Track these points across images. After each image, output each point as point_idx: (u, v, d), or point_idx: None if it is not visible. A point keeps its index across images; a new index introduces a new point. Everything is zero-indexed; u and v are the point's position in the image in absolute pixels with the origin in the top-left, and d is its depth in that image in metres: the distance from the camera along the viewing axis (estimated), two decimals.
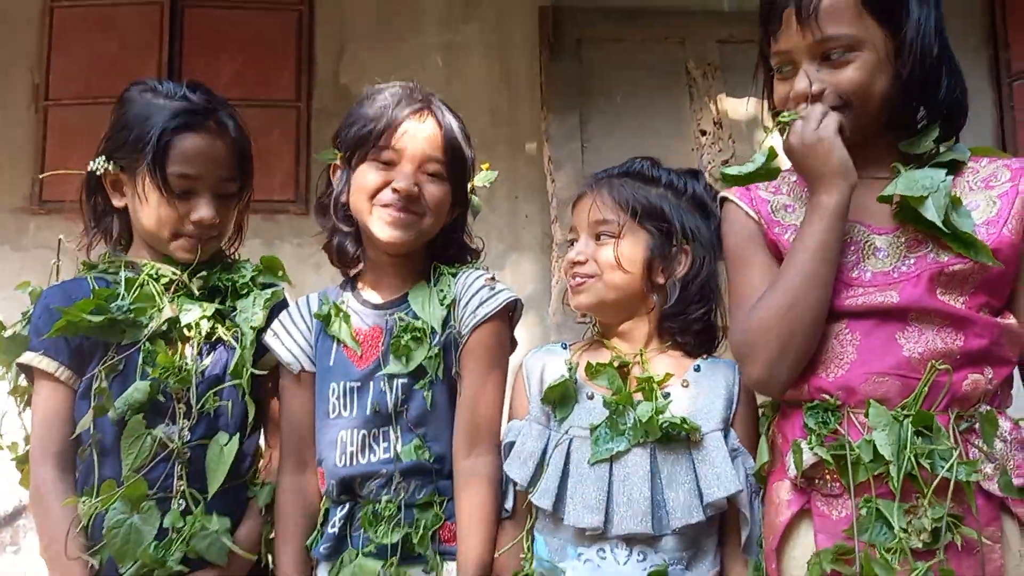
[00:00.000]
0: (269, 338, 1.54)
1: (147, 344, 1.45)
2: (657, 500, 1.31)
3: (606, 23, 4.05)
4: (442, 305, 1.48)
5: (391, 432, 1.44)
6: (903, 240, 1.23)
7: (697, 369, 1.41)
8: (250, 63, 4.00)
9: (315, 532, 1.48)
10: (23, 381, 1.53)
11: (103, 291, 1.46)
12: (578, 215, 1.48)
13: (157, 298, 1.48)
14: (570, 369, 1.41)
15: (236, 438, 1.46)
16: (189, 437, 1.44)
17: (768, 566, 1.26)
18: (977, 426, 1.18)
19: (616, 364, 1.40)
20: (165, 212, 1.48)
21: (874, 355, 1.19)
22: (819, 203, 1.21)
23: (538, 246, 3.98)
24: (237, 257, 1.67)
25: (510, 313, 1.51)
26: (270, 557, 1.52)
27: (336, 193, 1.54)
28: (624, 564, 1.31)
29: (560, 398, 1.40)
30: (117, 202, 1.54)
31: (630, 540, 1.32)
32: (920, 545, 1.11)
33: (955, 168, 1.27)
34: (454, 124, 1.50)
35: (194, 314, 1.49)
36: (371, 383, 1.46)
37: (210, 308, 1.51)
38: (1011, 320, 1.22)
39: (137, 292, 1.48)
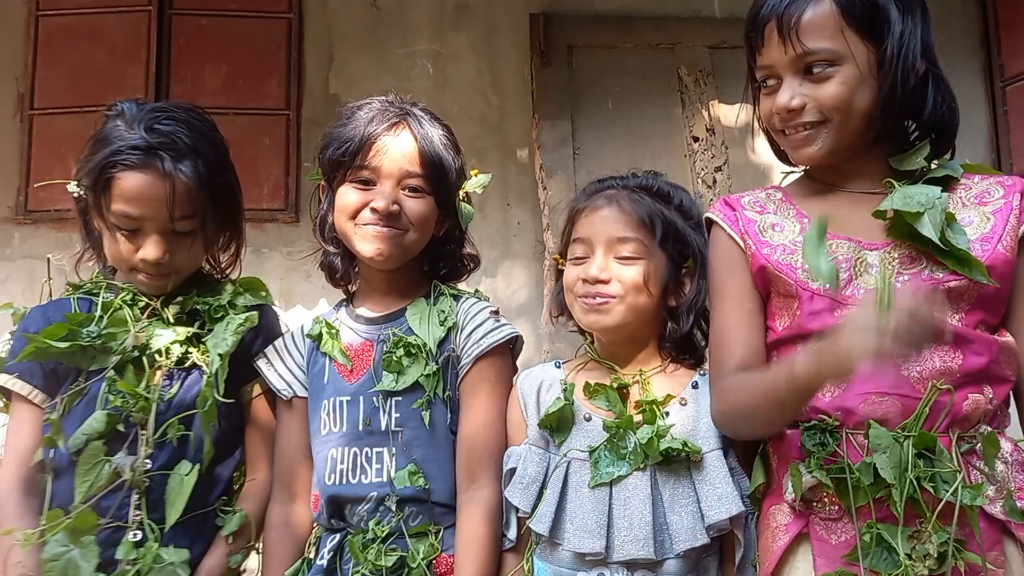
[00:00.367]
0: (262, 364, 1.52)
1: (111, 372, 1.42)
2: (659, 523, 1.27)
3: (597, 30, 4.02)
4: (442, 325, 1.45)
5: (385, 454, 1.41)
6: (895, 256, 1.21)
7: (695, 386, 1.38)
8: (239, 72, 3.95)
9: (300, 561, 1.44)
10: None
11: (76, 316, 1.45)
12: (592, 227, 1.39)
13: (130, 323, 1.45)
14: (565, 391, 1.37)
15: (196, 468, 1.41)
16: (150, 465, 1.40)
17: None
18: (978, 447, 1.15)
19: (615, 385, 1.37)
20: (116, 247, 1.45)
21: (872, 374, 1.16)
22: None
23: (530, 253, 3.95)
24: (227, 276, 1.63)
25: (510, 347, 1.49)
26: None
27: (322, 215, 1.54)
28: None
29: (558, 422, 1.36)
30: (96, 224, 1.50)
31: (631, 565, 1.28)
32: (925, 572, 1.08)
33: (947, 184, 1.25)
34: (434, 135, 1.47)
35: (165, 339, 1.45)
36: (361, 398, 1.43)
37: (183, 332, 1.47)
38: (1008, 338, 1.21)
39: (110, 317, 1.45)
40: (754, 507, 1.31)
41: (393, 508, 1.38)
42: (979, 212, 1.22)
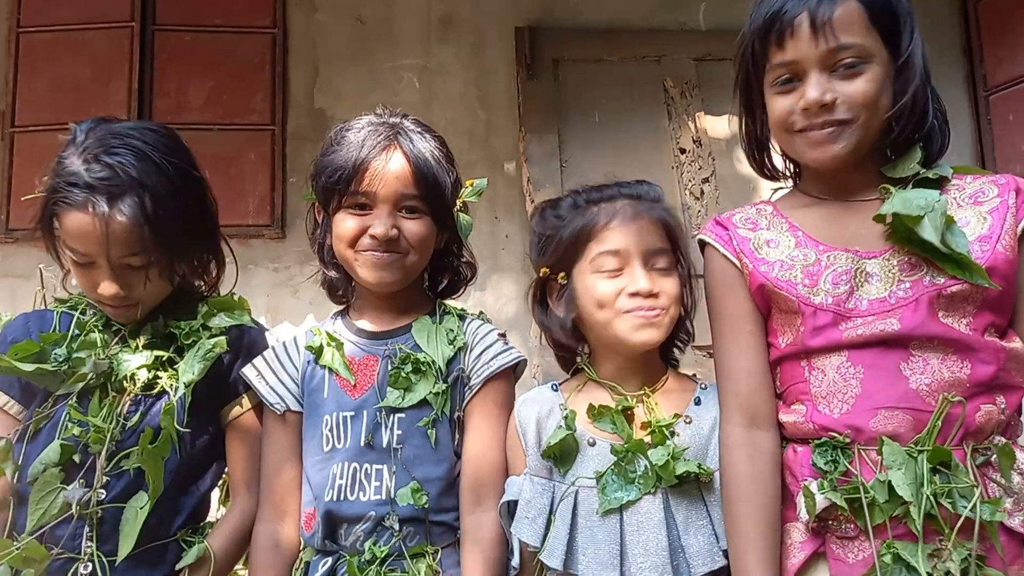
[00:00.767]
0: (251, 376, 1.47)
1: (73, 400, 1.39)
2: (674, 548, 1.24)
3: (583, 43, 4.03)
4: (451, 344, 1.44)
5: (384, 471, 1.38)
6: (895, 263, 1.20)
7: (697, 403, 1.36)
8: (223, 87, 3.92)
9: None
10: None
11: (51, 335, 1.43)
12: (627, 239, 1.34)
13: (98, 347, 1.43)
14: (567, 419, 1.34)
15: (149, 501, 1.36)
16: (105, 495, 1.36)
17: None
18: (994, 459, 1.13)
19: (620, 408, 1.33)
20: (78, 278, 1.42)
21: (879, 388, 1.15)
22: None
23: (519, 266, 3.92)
24: (213, 293, 1.59)
25: (514, 370, 1.48)
26: None
27: (320, 239, 1.52)
28: None
29: (561, 453, 1.33)
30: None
31: None
32: None
33: (940, 186, 1.24)
34: (426, 151, 1.44)
35: (132, 364, 1.42)
36: (364, 413, 1.41)
37: (150, 357, 1.43)
38: (1016, 343, 1.19)
39: (80, 341, 1.43)
40: None
41: (397, 528, 1.35)
42: (975, 212, 1.21)
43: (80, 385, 1.40)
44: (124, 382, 1.41)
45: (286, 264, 3.84)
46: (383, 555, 1.34)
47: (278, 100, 3.95)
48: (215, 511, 1.56)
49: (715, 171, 3.90)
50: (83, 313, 1.50)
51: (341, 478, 1.38)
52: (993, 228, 1.19)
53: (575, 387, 1.42)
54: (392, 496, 1.36)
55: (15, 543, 1.31)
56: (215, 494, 1.56)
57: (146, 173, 1.36)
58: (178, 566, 1.40)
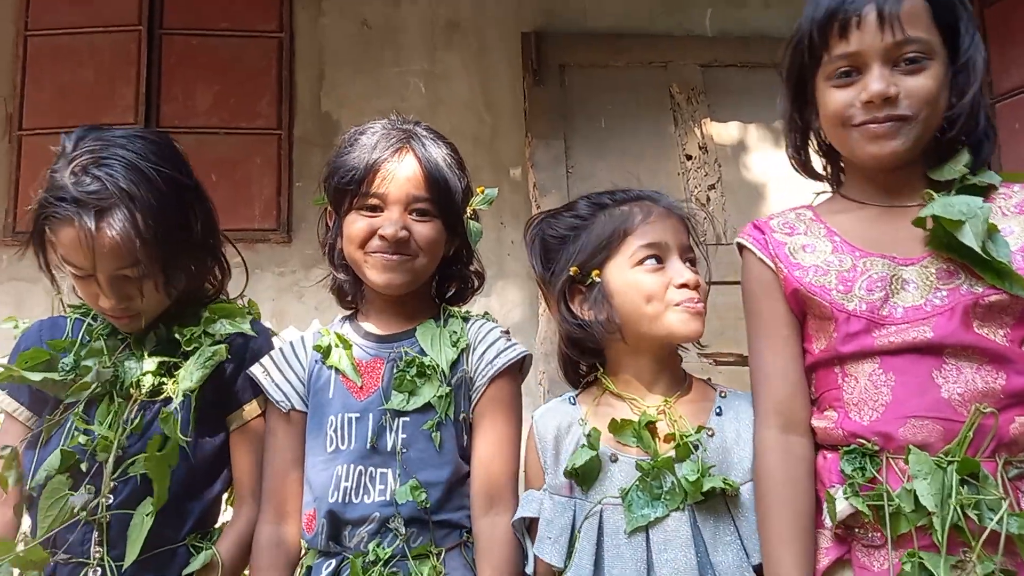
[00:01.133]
0: (259, 375, 1.48)
1: (80, 407, 1.40)
2: (703, 565, 1.22)
3: (589, 48, 4.03)
4: (454, 347, 1.44)
5: (389, 475, 1.37)
6: (932, 271, 1.18)
7: (719, 413, 1.34)
8: (230, 91, 3.92)
9: None
10: None
11: (60, 343, 1.45)
12: (665, 234, 1.35)
13: (104, 355, 1.44)
14: (590, 438, 1.31)
15: (155, 507, 1.36)
16: (112, 501, 1.36)
17: None
18: None
19: (644, 423, 1.30)
20: (79, 290, 1.42)
21: (910, 396, 1.14)
22: None
23: (524, 273, 3.91)
24: (221, 297, 1.59)
25: (519, 367, 1.48)
26: None
27: (330, 242, 1.53)
28: None
29: (584, 473, 1.30)
30: None
31: None
32: None
33: (986, 193, 1.22)
34: (438, 156, 1.45)
35: (139, 370, 1.42)
36: (370, 415, 1.41)
37: (155, 363, 1.43)
38: None
39: (88, 348, 1.44)
40: None
41: (402, 530, 1.35)
42: (1020, 222, 1.19)
43: (87, 393, 1.40)
44: (131, 389, 1.42)
45: (292, 268, 3.83)
46: (387, 556, 1.33)
47: (284, 104, 3.95)
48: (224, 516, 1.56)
49: (721, 177, 3.89)
50: (94, 319, 1.50)
51: (346, 480, 1.38)
52: None
53: (593, 400, 1.40)
54: (395, 499, 1.36)
55: (18, 546, 1.33)
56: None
57: (135, 184, 1.34)
58: (185, 571, 1.40)
